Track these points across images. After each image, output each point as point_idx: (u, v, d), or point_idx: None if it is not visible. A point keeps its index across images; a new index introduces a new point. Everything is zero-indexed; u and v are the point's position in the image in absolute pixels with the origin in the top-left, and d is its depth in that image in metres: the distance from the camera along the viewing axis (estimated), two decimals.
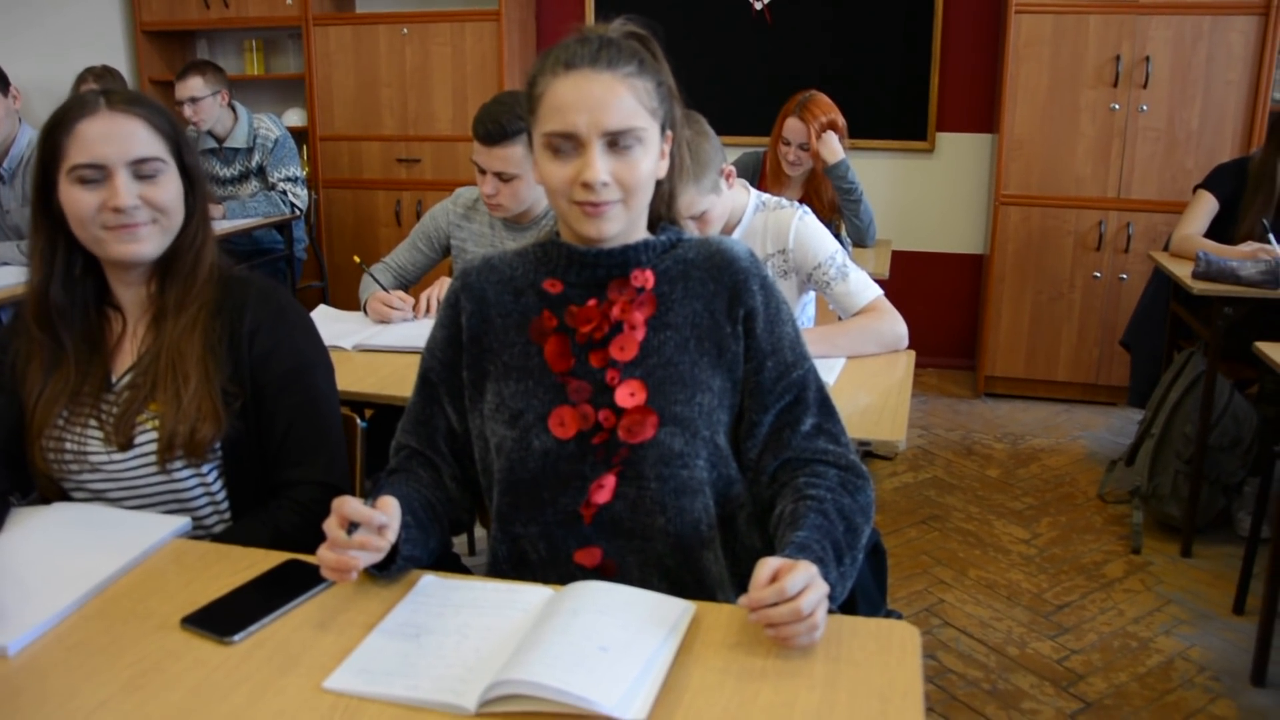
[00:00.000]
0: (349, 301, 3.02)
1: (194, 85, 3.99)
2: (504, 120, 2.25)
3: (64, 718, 0.97)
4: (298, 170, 4.22)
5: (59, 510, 1.39)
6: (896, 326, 2.15)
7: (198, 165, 1.46)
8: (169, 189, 1.40)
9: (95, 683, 1.02)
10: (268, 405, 1.45)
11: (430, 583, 1.18)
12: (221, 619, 1.11)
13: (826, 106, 3.43)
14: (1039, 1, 4.05)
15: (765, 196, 2.34)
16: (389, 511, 1.10)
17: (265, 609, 1.13)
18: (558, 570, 1.26)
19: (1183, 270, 3.00)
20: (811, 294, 2.45)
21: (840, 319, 2.30)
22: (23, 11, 5.02)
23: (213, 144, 4.13)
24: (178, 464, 1.40)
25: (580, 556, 1.26)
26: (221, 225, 3.83)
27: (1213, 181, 3.28)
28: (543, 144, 1.23)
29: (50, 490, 1.45)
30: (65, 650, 1.08)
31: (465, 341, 1.33)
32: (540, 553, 1.28)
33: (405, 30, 4.82)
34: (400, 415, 1.42)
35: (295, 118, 5.11)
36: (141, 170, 1.37)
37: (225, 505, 1.47)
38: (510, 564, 1.31)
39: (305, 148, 5.03)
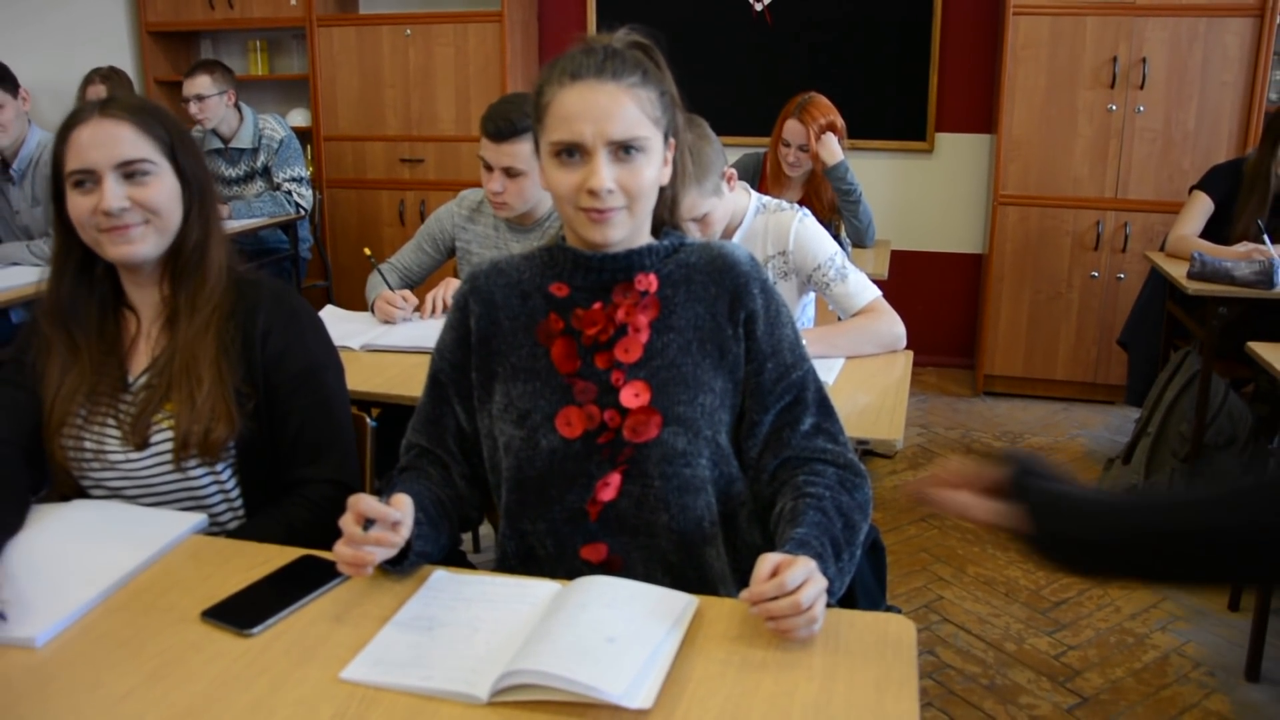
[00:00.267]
0: (353, 300, 3.06)
1: (201, 84, 4.02)
2: (513, 117, 2.28)
3: (92, 706, 1.00)
4: (302, 170, 4.25)
5: (79, 508, 1.43)
6: (894, 327, 2.19)
7: (195, 166, 1.47)
8: (159, 190, 1.42)
9: (120, 673, 1.06)
10: (280, 406, 1.49)
11: (442, 577, 1.22)
12: (240, 612, 1.15)
13: (826, 108, 3.47)
14: (1037, 3, 4.08)
15: (765, 199, 2.38)
16: (403, 508, 1.14)
17: (283, 602, 1.17)
18: (565, 566, 1.30)
19: (1178, 270, 3.04)
20: (811, 295, 2.49)
21: (840, 319, 2.33)
22: (28, 12, 5.05)
23: (218, 144, 4.16)
24: (192, 463, 1.44)
25: (586, 552, 1.30)
26: (227, 225, 3.85)
27: (1208, 182, 3.31)
28: (549, 152, 1.27)
29: (67, 485, 1.49)
30: (90, 642, 1.12)
31: (474, 343, 1.37)
32: (548, 549, 1.32)
33: (409, 31, 4.85)
34: (407, 415, 1.46)
35: (299, 118, 5.14)
36: (129, 172, 1.40)
37: (239, 502, 1.51)
38: (518, 559, 1.35)
39: (309, 148, 5.07)
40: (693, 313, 1.32)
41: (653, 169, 1.27)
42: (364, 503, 1.12)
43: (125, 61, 5.10)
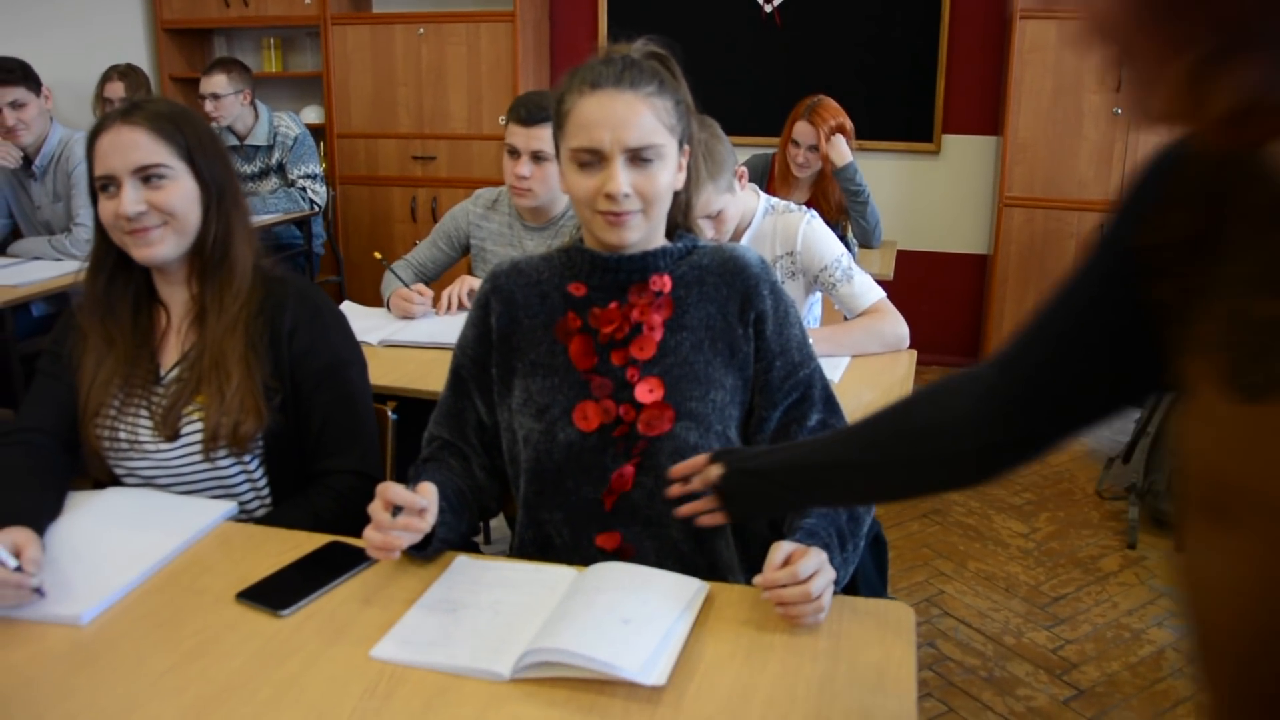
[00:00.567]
0: (365, 295, 3.11)
1: (218, 82, 4.09)
2: (543, 103, 2.36)
3: (137, 680, 1.07)
4: (316, 167, 4.31)
5: (113, 495, 1.49)
6: (899, 328, 2.25)
7: (215, 167, 1.52)
8: (175, 193, 1.47)
9: (162, 650, 1.12)
10: (306, 400, 1.55)
11: (464, 563, 1.28)
12: (273, 594, 1.21)
13: (835, 110, 3.52)
14: (1043, 8, 4.13)
15: (774, 200, 2.44)
16: (429, 496, 1.20)
17: (313, 585, 1.23)
18: (580, 553, 1.36)
19: None
20: (818, 294, 2.54)
21: (845, 319, 2.39)
22: (45, 10, 5.12)
23: (234, 141, 4.22)
24: (222, 454, 1.50)
25: (601, 540, 1.36)
26: None
27: None
28: (569, 157, 1.33)
29: (102, 472, 1.55)
30: (131, 622, 1.18)
31: (495, 340, 1.43)
32: (564, 537, 1.38)
33: (421, 30, 4.91)
34: (424, 408, 1.52)
35: (313, 115, 5.20)
36: (146, 177, 1.46)
37: (267, 491, 1.56)
38: (536, 547, 1.40)
39: (323, 145, 5.13)
40: (705, 312, 1.38)
41: (668, 174, 1.33)
42: (392, 490, 1.18)
43: (141, 58, 5.16)
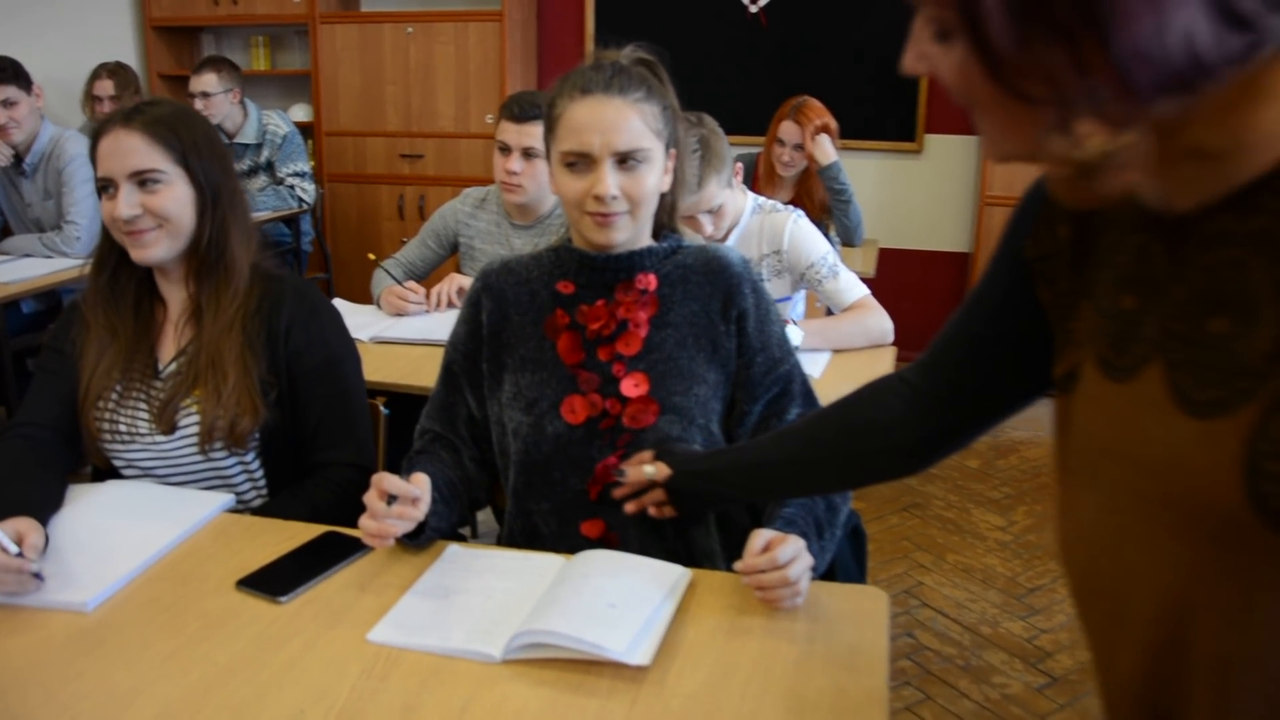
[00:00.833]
0: (353, 293, 3.15)
1: (208, 81, 4.11)
2: (535, 101, 2.42)
3: (142, 663, 1.11)
4: (305, 165, 4.34)
5: (113, 488, 1.53)
6: (883, 322, 2.31)
7: (211, 171, 1.55)
8: (169, 197, 1.51)
9: (165, 635, 1.16)
10: (302, 395, 1.59)
11: (456, 551, 1.33)
12: (272, 581, 1.26)
13: (820, 110, 3.58)
14: None
15: (762, 200, 2.49)
16: (422, 486, 1.25)
17: (311, 573, 1.27)
18: (567, 542, 1.41)
19: None
20: (802, 291, 2.60)
21: (829, 314, 2.45)
22: (34, 9, 5.12)
23: (223, 139, 4.25)
24: (218, 449, 1.54)
25: (586, 528, 1.41)
26: None
27: None
28: (560, 159, 1.38)
29: (100, 460, 1.59)
30: (135, 608, 1.22)
31: (485, 336, 1.48)
32: (551, 526, 1.43)
33: (410, 29, 4.94)
34: (415, 403, 1.57)
35: (301, 113, 5.23)
36: (142, 181, 1.50)
37: (264, 483, 1.61)
38: (524, 536, 1.45)
39: (311, 143, 5.15)
40: (689, 310, 1.43)
41: (654, 177, 1.38)
42: (387, 480, 1.22)
43: (129, 56, 5.17)
